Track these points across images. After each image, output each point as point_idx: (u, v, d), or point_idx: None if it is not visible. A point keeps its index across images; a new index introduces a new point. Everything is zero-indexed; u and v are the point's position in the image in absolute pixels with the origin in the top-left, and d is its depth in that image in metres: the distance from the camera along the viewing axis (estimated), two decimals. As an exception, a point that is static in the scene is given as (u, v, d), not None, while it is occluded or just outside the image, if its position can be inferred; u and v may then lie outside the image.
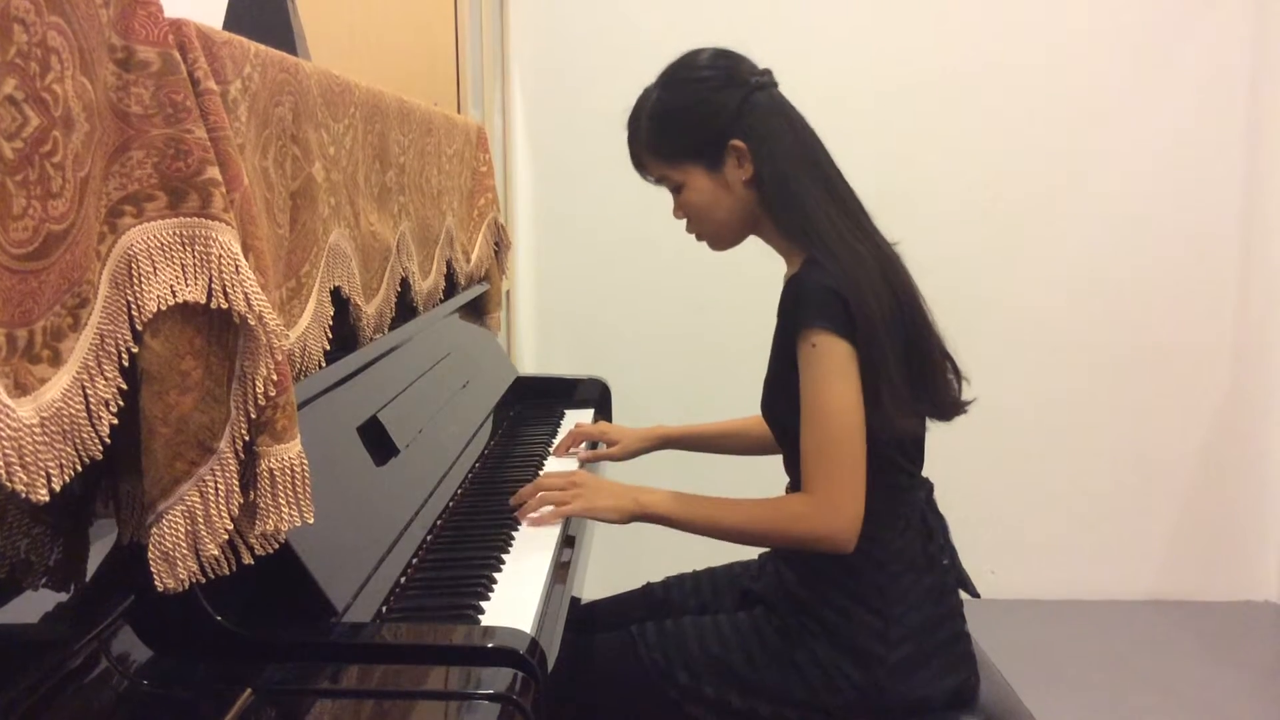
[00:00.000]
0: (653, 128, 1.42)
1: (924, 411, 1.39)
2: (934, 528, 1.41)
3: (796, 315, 1.32)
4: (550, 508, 1.45)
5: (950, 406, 1.41)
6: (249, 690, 0.94)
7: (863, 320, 1.28)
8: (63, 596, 0.90)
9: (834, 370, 1.28)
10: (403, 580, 1.25)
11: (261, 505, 0.93)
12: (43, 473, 0.71)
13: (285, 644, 1.02)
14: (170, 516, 0.86)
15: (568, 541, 1.44)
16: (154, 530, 0.86)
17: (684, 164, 1.41)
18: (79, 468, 0.75)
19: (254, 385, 0.90)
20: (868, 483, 1.32)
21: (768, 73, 1.42)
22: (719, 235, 1.46)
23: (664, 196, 1.48)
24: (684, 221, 1.48)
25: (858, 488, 1.29)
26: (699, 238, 1.48)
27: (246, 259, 0.88)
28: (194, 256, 0.85)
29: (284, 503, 0.94)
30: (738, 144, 1.37)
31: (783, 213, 1.38)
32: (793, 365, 1.32)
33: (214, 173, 0.86)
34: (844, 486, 1.29)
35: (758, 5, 2.90)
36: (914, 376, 1.35)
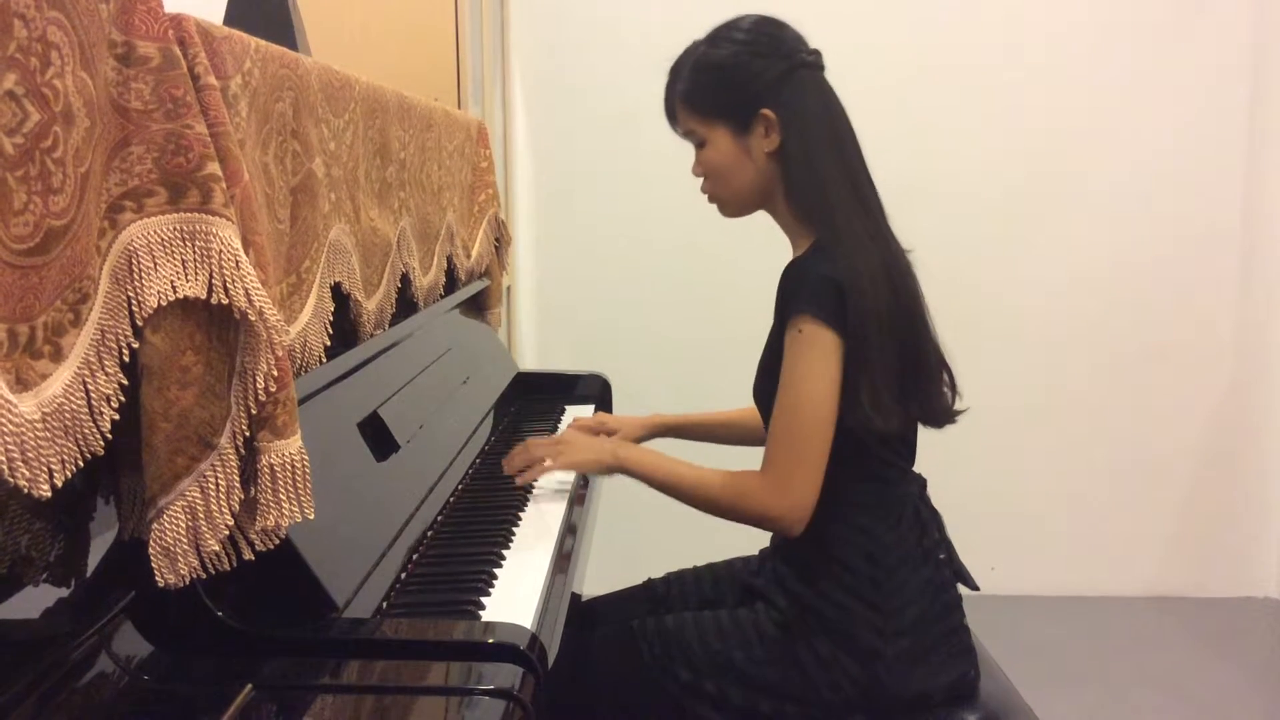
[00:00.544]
0: (690, 79, 1.42)
1: (912, 414, 1.39)
2: (928, 522, 1.41)
3: (791, 300, 1.33)
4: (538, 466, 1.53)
5: (941, 414, 1.42)
6: (250, 686, 0.94)
7: (855, 313, 1.29)
8: (63, 592, 0.90)
9: (815, 360, 1.30)
10: (403, 576, 1.25)
11: (262, 501, 0.93)
12: (45, 468, 0.71)
13: (286, 640, 1.02)
14: (171, 512, 0.86)
15: (568, 537, 1.44)
16: (155, 526, 0.86)
17: (712, 121, 1.41)
18: (81, 463, 0.75)
19: (254, 381, 0.90)
20: (854, 476, 1.35)
21: (816, 53, 1.42)
22: (730, 200, 1.46)
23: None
24: (700, 201, 1.49)
25: (812, 476, 1.31)
26: (710, 199, 1.48)
27: (247, 254, 0.88)
28: (194, 252, 0.85)
29: (284, 498, 0.94)
30: (768, 113, 1.38)
31: (800, 191, 1.38)
32: (783, 349, 1.33)
33: (214, 168, 0.86)
34: (797, 473, 1.31)
35: (758, 5, 2.90)
36: (906, 378, 1.35)
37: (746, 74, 1.38)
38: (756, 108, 1.38)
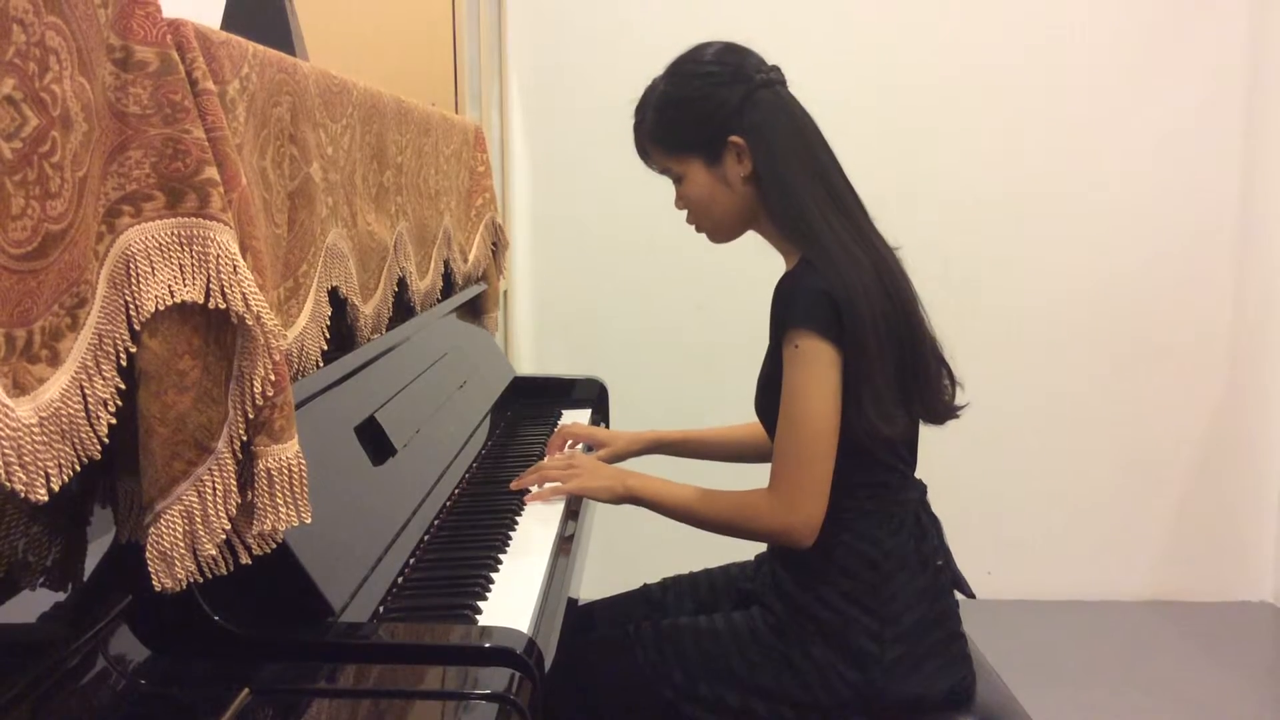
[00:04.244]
0: (656, 118, 1.43)
1: (915, 414, 1.40)
2: (928, 528, 1.42)
3: (785, 315, 1.33)
4: (551, 486, 1.53)
5: (942, 411, 1.43)
6: (246, 690, 0.94)
7: (851, 324, 1.29)
8: (60, 596, 0.90)
9: (813, 375, 1.30)
10: (400, 580, 1.25)
11: (259, 505, 0.93)
12: (41, 473, 0.71)
13: (283, 644, 1.02)
14: (168, 516, 0.86)
15: (565, 541, 1.44)
16: (151, 530, 0.86)
17: (684, 156, 1.42)
18: (78, 468, 0.75)
19: (251, 385, 0.90)
20: (857, 481, 1.35)
21: (776, 69, 1.43)
22: (717, 229, 1.47)
23: (661, 197, 1.48)
24: (684, 215, 1.49)
25: (819, 489, 1.32)
26: (698, 230, 1.49)
27: (244, 259, 0.88)
28: (192, 256, 0.85)
29: (281, 502, 0.94)
30: (737, 140, 1.38)
31: (779, 211, 1.39)
32: (781, 365, 1.33)
33: (212, 173, 0.86)
34: (803, 488, 1.31)
35: (756, 6, 2.90)
36: (906, 380, 1.36)
37: (710, 105, 1.39)
38: (724, 136, 1.38)
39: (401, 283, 1.63)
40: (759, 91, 1.39)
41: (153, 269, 0.83)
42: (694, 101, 1.40)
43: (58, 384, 0.74)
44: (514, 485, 1.58)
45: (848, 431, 1.32)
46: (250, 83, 1.03)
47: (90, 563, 0.93)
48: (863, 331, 1.29)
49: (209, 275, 0.85)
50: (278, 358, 0.91)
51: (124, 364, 0.82)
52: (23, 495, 0.70)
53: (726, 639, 1.40)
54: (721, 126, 1.38)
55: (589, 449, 1.85)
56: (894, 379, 1.33)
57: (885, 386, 1.31)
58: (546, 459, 1.65)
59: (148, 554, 0.86)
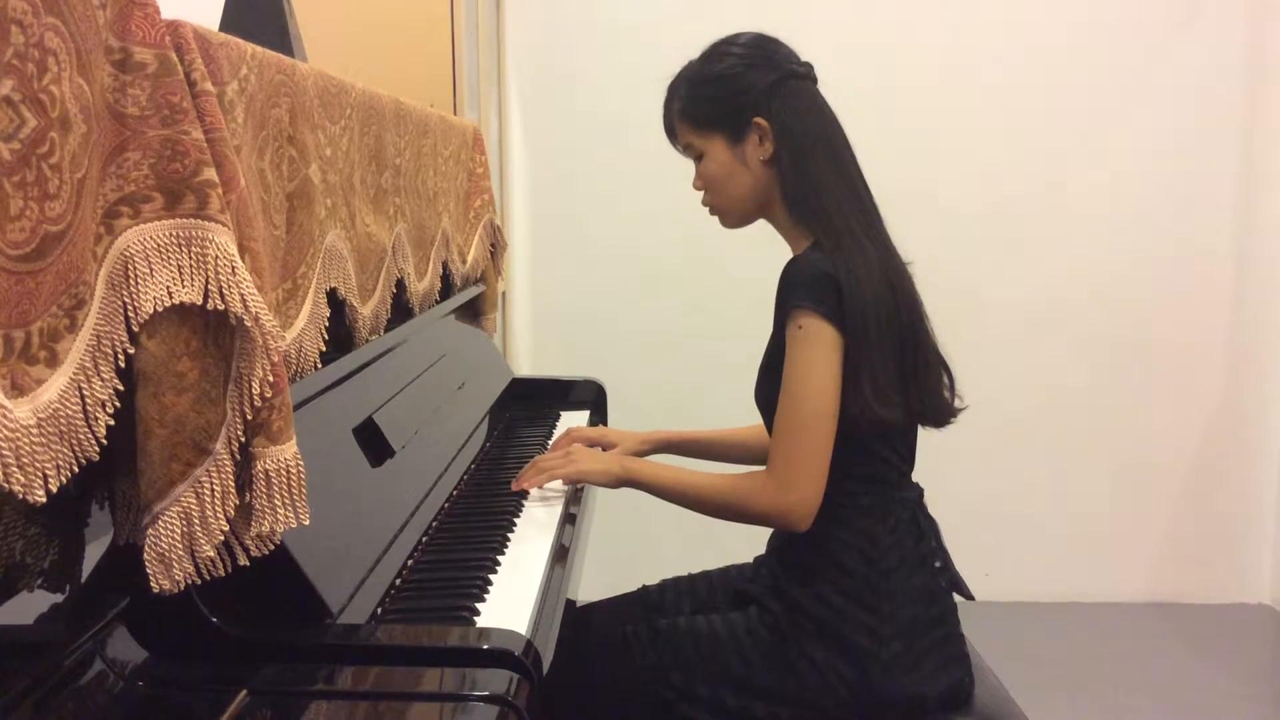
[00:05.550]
0: (686, 93, 1.46)
1: (913, 410, 1.40)
2: (925, 529, 1.42)
3: (789, 297, 1.34)
4: (549, 472, 1.57)
5: (942, 413, 1.43)
6: (244, 691, 0.94)
7: (854, 307, 1.30)
8: (58, 597, 0.90)
9: (815, 356, 1.31)
10: (398, 581, 1.25)
11: (257, 506, 0.93)
12: (40, 474, 0.71)
13: (281, 645, 1.02)
14: (166, 518, 0.86)
15: (564, 543, 1.44)
16: (150, 531, 0.86)
17: (708, 133, 1.45)
18: (76, 469, 0.75)
19: (250, 386, 0.90)
20: (854, 476, 1.36)
21: (809, 66, 1.46)
22: (730, 210, 1.49)
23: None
24: (695, 206, 1.51)
25: (815, 471, 1.32)
26: (711, 211, 1.51)
27: (243, 260, 0.88)
28: (190, 258, 0.85)
29: (279, 504, 0.94)
30: (761, 122, 1.40)
31: (796, 197, 1.40)
32: (784, 347, 1.34)
33: (210, 174, 0.86)
34: (799, 469, 1.32)
35: (754, 9, 2.90)
36: (905, 374, 1.37)
37: (739, 85, 1.41)
38: (749, 116, 1.41)
39: (400, 284, 1.62)
40: (790, 81, 1.42)
41: (151, 270, 0.83)
42: (723, 79, 1.43)
43: (56, 385, 0.74)
44: (514, 486, 1.58)
45: (844, 417, 1.32)
46: (249, 84, 1.03)
47: (88, 564, 0.93)
48: (864, 315, 1.31)
49: (207, 276, 0.85)
50: (276, 359, 0.91)
51: (122, 365, 0.82)
52: (20, 496, 0.70)
53: (725, 639, 1.40)
54: (748, 106, 1.41)
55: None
56: (893, 368, 1.34)
57: (884, 372, 1.32)
58: (541, 456, 1.65)
59: (146, 556, 0.86)
